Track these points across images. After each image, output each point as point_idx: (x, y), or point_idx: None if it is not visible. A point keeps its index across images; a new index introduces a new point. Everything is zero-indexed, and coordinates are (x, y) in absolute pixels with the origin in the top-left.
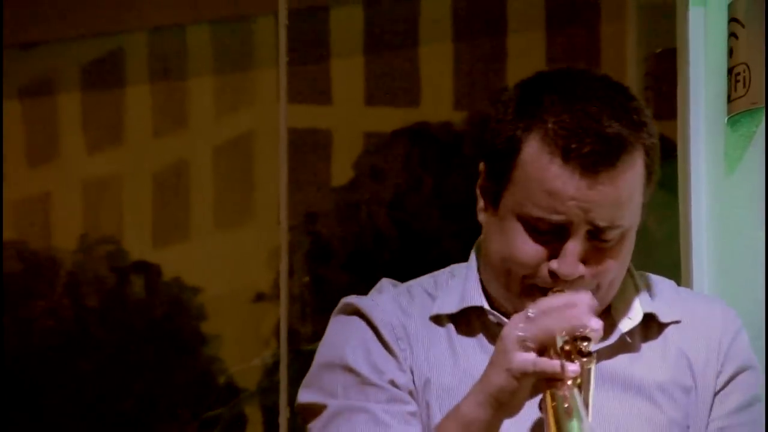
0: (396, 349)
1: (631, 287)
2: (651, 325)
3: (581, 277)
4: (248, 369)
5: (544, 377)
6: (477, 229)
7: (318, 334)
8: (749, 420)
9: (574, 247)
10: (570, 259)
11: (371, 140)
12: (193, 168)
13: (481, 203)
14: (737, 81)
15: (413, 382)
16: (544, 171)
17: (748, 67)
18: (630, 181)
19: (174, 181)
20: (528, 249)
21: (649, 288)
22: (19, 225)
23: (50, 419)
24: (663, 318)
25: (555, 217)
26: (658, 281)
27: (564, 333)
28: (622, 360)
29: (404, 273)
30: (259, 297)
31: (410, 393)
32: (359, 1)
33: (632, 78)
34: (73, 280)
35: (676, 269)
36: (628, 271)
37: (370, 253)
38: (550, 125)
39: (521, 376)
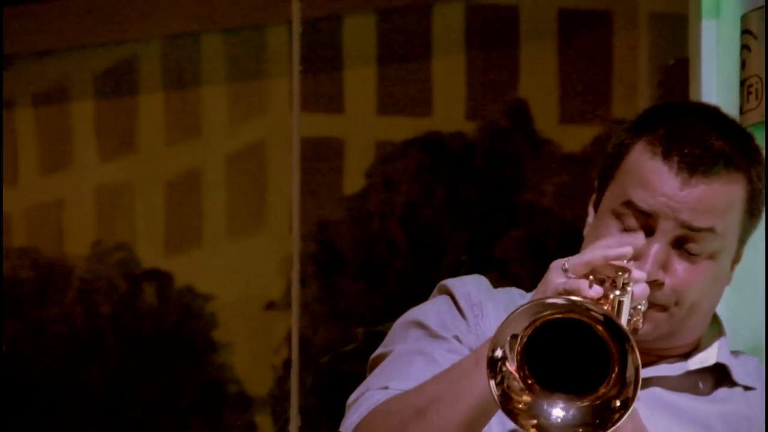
0: (468, 314)
1: (715, 332)
2: (724, 380)
3: (660, 284)
4: (259, 377)
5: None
6: (487, 238)
7: (329, 342)
8: None
9: (656, 249)
10: (649, 260)
11: (383, 149)
12: (205, 176)
13: (590, 218)
14: (750, 93)
15: (478, 345)
16: (643, 166)
17: (761, 79)
18: (725, 196)
19: (186, 189)
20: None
21: (734, 352)
22: (32, 232)
23: (61, 425)
24: (737, 377)
25: (643, 205)
26: (746, 354)
27: (604, 264)
28: (686, 397)
29: (415, 282)
30: (271, 305)
31: (471, 351)
32: (372, 11)
33: (644, 89)
34: (86, 287)
35: None
36: (716, 320)
37: (381, 262)
38: (660, 131)
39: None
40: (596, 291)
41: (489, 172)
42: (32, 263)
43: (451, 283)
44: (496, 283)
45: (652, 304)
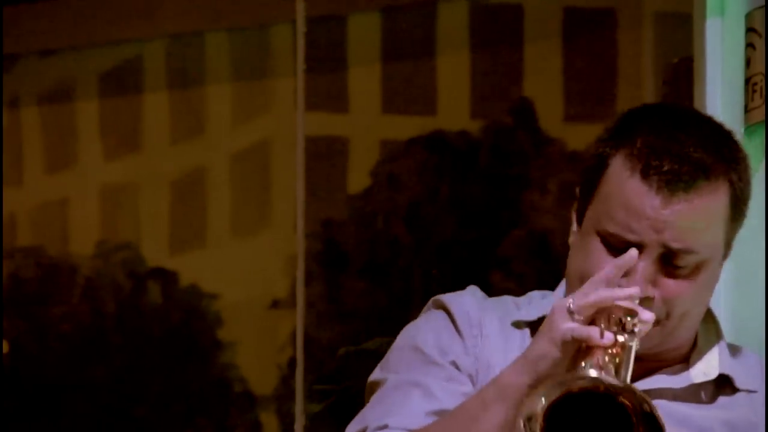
0: (466, 334)
1: (712, 336)
2: (725, 387)
3: (650, 299)
4: (264, 375)
5: (580, 343)
6: (492, 237)
7: (334, 341)
8: None
9: (644, 267)
10: (637, 278)
11: (388, 148)
12: (210, 175)
13: (573, 226)
14: (754, 91)
15: (476, 369)
16: (623, 186)
17: (766, 77)
18: (708, 209)
19: (191, 188)
20: (604, 266)
21: (734, 350)
22: (37, 231)
23: (66, 424)
24: (740, 384)
25: (629, 236)
26: (745, 350)
27: (611, 305)
28: (689, 407)
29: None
30: (276, 304)
31: (470, 377)
32: (377, 10)
33: (649, 87)
34: (91, 286)
35: None
36: (712, 318)
37: (386, 260)
38: (637, 144)
39: (562, 343)
40: (608, 339)
41: (493, 171)
42: (37, 262)
43: (448, 299)
44: (501, 281)
45: None
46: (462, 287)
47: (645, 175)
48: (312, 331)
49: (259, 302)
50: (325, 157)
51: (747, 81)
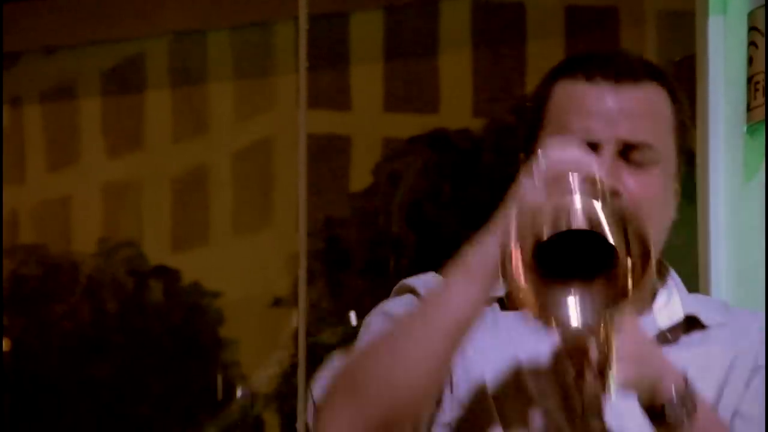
0: None
1: (669, 283)
2: (694, 326)
3: (619, 194)
4: (266, 374)
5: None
6: None
7: (335, 340)
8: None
9: (605, 161)
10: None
11: (390, 146)
12: (212, 173)
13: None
14: (756, 89)
15: None
16: (570, 96)
17: (766, 76)
18: (655, 102)
19: (193, 186)
20: None
21: (694, 293)
22: (39, 229)
23: (68, 422)
24: (706, 320)
25: (586, 137)
26: (705, 296)
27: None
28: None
29: None
30: (278, 302)
31: None
32: (379, 7)
33: None
34: (93, 284)
35: (694, 277)
36: (666, 269)
37: (387, 259)
38: (576, 69)
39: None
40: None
41: (496, 169)
42: (39, 260)
43: (410, 281)
44: None
45: None
46: None
47: (590, 77)
48: (314, 330)
49: (260, 300)
50: (328, 155)
51: (749, 79)
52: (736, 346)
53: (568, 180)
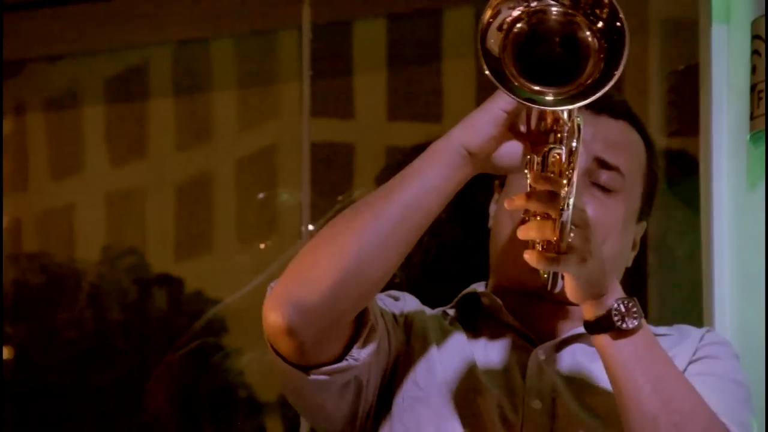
0: (391, 305)
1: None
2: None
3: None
4: (269, 381)
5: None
6: None
7: None
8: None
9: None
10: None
11: (394, 155)
12: (216, 181)
13: (495, 196)
14: (759, 98)
15: (402, 320)
16: None
17: (766, 85)
18: (630, 139)
19: (197, 194)
20: None
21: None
22: (42, 236)
23: (71, 430)
24: (654, 331)
25: None
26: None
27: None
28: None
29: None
30: None
31: (393, 316)
32: (383, 16)
33: (654, 94)
34: (96, 292)
35: (697, 286)
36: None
37: None
38: None
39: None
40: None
41: (498, 176)
42: (42, 268)
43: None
44: None
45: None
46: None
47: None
48: None
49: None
50: (331, 163)
51: (752, 88)
52: (674, 350)
53: None
